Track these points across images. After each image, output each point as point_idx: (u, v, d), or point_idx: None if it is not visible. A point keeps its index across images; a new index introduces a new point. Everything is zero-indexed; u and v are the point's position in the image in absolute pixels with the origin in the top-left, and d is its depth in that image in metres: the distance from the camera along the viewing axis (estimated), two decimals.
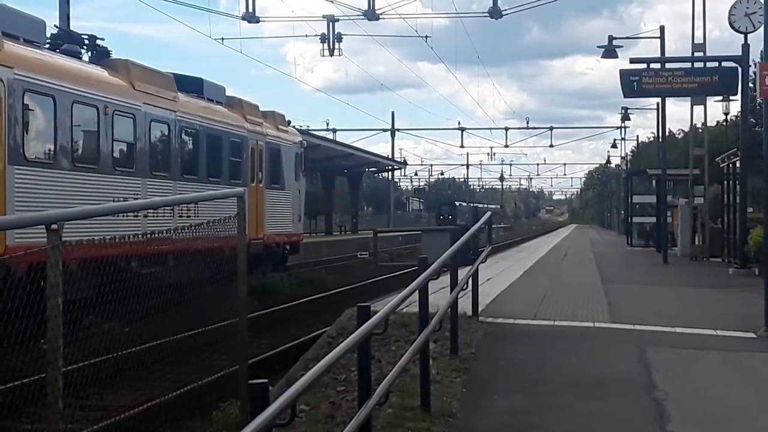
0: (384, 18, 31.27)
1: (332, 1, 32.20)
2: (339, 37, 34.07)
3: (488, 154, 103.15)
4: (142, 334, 10.75)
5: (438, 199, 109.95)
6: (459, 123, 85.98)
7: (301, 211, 29.53)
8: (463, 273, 10.74)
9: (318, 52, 35.10)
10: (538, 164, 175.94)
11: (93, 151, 17.28)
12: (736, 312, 13.92)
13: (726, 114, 38.56)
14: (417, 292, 7.25)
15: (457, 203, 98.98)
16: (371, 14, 30.60)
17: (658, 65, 23.74)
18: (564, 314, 13.23)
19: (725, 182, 26.31)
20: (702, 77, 23.06)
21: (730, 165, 24.93)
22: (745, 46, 21.61)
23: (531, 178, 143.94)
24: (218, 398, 9.70)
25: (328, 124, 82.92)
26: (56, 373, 5.39)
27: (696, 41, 26.86)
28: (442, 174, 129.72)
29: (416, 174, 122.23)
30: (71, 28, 21.10)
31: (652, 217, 37.03)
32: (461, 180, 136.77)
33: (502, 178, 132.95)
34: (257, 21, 31.61)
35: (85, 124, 16.98)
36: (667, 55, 29.12)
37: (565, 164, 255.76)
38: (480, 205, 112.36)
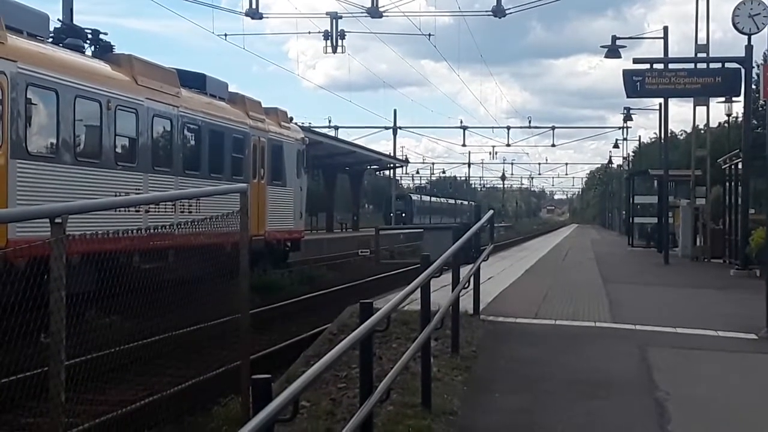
0: (387, 15, 31.28)
1: None
2: (342, 35, 34.08)
3: (490, 153, 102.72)
4: (143, 329, 10.74)
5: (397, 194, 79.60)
6: (461, 121, 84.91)
7: (303, 208, 29.54)
8: (464, 271, 10.74)
9: (321, 49, 35.18)
10: (539, 163, 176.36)
11: (95, 146, 17.29)
12: (737, 313, 13.90)
13: (728, 115, 38.60)
14: (419, 289, 7.25)
15: (415, 197, 79.89)
16: (374, 12, 30.60)
17: (661, 66, 23.71)
18: (565, 314, 13.22)
19: (727, 183, 26.29)
20: (705, 78, 23.03)
21: (732, 166, 24.92)
22: (749, 48, 21.59)
23: (532, 178, 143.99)
24: (219, 394, 9.70)
25: (330, 122, 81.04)
26: (59, 367, 5.39)
27: (699, 42, 26.83)
28: (443, 172, 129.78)
29: (418, 172, 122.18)
30: (74, 23, 21.10)
31: (654, 218, 37.01)
32: (463, 179, 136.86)
33: (503, 177, 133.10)
34: (260, 17, 31.63)
35: (88, 118, 16.98)
36: (670, 55, 29.12)
37: (566, 164, 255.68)
38: (451, 200, 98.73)
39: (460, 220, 63.67)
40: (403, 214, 68.85)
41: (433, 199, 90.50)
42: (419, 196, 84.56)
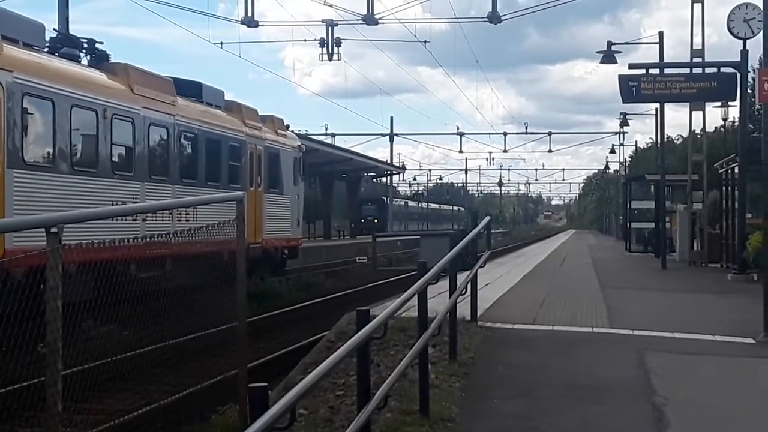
0: (383, 23, 31.25)
1: (331, 6, 32.26)
2: (338, 42, 34.05)
3: (487, 159, 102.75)
4: (140, 337, 10.74)
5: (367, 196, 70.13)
6: (458, 128, 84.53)
7: (300, 216, 29.53)
8: (461, 278, 10.73)
9: (316, 56, 35.17)
10: (536, 169, 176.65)
11: (92, 155, 17.28)
12: (734, 317, 13.91)
13: (724, 119, 38.76)
14: (416, 296, 7.24)
15: (390, 201, 69.20)
16: (370, 19, 30.60)
17: (656, 71, 23.75)
18: (563, 319, 13.22)
19: (724, 188, 26.33)
20: (701, 83, 23.05)
21: (729, 170, 24.94)
22: (744, 52, 21.62)
23: (529, 184, 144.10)
24: (217, 402, 9.69)
25: (326, 129, 79.79)
26: (56, 376, 5.39)
27: (695, 47, 26.89)
28: (440, 179, 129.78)
29: (415, 179, 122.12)
30: (70, 32, 21.10)
31: (651, 223, 37.04)
32: (460, 185, 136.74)
33: (500, 183, 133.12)
34: (256, 25, 31.61)
35: (84, 127, 16.98)
36: (666, 60, 29.18)
37: (563, 169, 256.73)
38: (435, 205, 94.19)
39: (457, 227, 62.63)
40: (375, 221, 60.03)
41: (413, 203, 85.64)
42: (396, 200, 75.84)
